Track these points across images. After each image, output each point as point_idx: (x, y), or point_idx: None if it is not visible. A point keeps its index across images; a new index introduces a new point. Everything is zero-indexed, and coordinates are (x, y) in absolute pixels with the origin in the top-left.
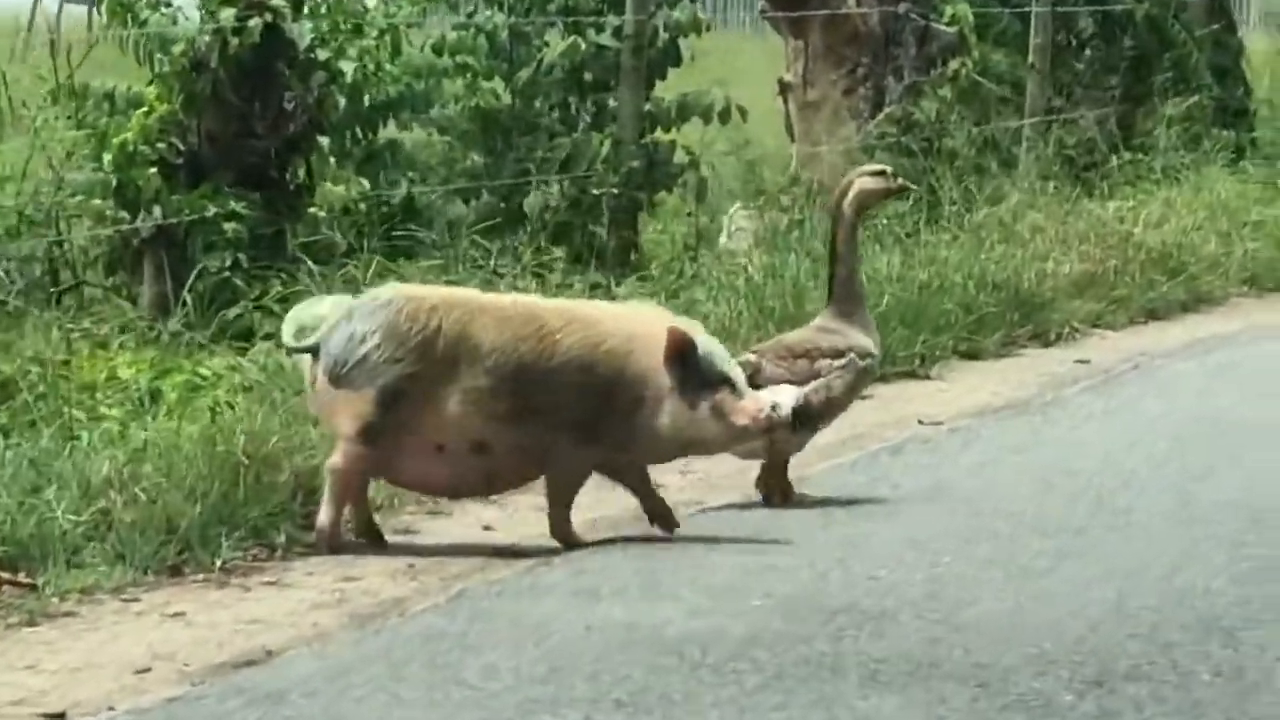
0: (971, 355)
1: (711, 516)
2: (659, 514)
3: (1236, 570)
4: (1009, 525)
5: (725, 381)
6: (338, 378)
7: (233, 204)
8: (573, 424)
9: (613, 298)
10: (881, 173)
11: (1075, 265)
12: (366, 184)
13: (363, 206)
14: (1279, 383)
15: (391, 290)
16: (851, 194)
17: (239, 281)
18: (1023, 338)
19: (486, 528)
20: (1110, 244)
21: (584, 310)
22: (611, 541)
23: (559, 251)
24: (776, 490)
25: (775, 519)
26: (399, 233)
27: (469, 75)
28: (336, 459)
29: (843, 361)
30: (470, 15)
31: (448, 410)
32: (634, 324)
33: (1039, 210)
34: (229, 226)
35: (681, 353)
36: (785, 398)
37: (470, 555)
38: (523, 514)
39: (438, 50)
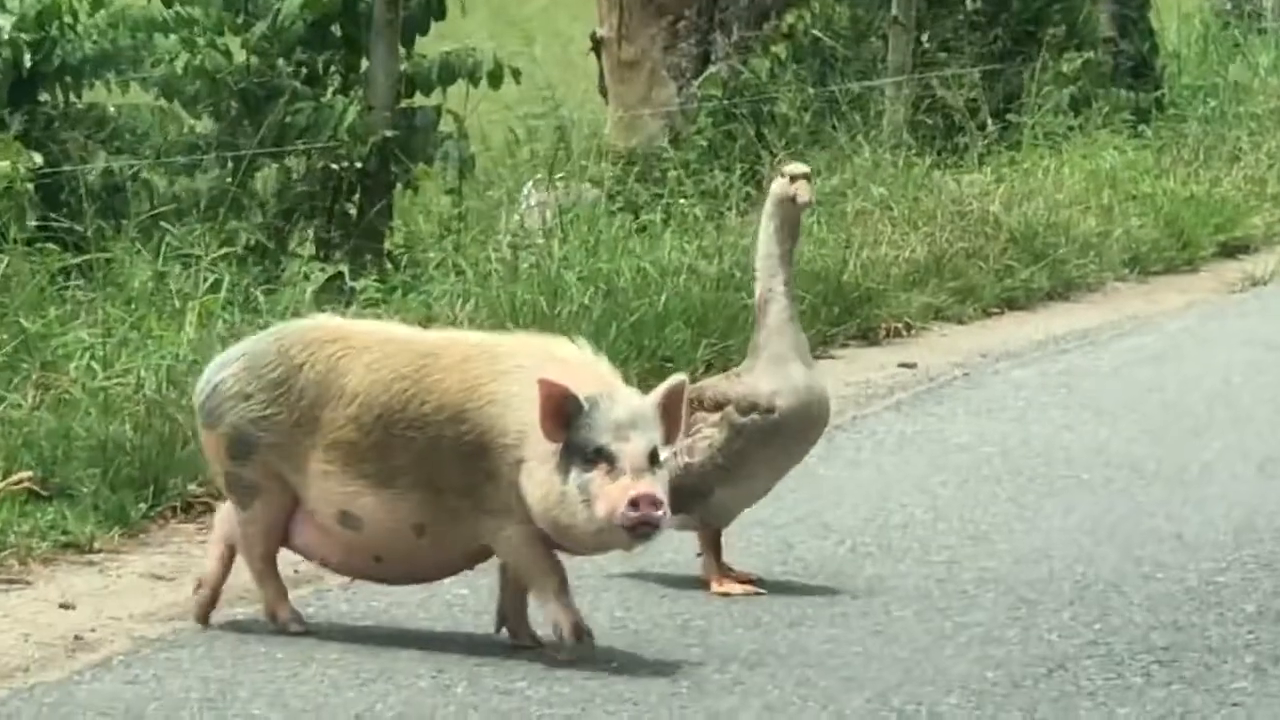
0: None
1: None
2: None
3: (974, 688)
4: (708, 625)
5: (600, 454)
6: (199, 407)
7: None
8: (457, 492)
9: (350, 292)
10: (805, 176)
11: (917, 249)
12: (39, 158)
13: (29, 186)
14: (1123, 396)
15: (296, 322)
16: (770, 200)
17: None
18: (842, 336)
19: (65, 605)
20: (963, 224)
21: (495, 342)
22: (192, 635)
23: (308, 236)
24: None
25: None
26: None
27: (191, 29)
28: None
29: (715, 417)
30: None
31: (310, 468)
32: (542, 357)
33: (881, 185)
34: None
35: (556, 411)
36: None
37: (23, 649)
38: (125, 583)
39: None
